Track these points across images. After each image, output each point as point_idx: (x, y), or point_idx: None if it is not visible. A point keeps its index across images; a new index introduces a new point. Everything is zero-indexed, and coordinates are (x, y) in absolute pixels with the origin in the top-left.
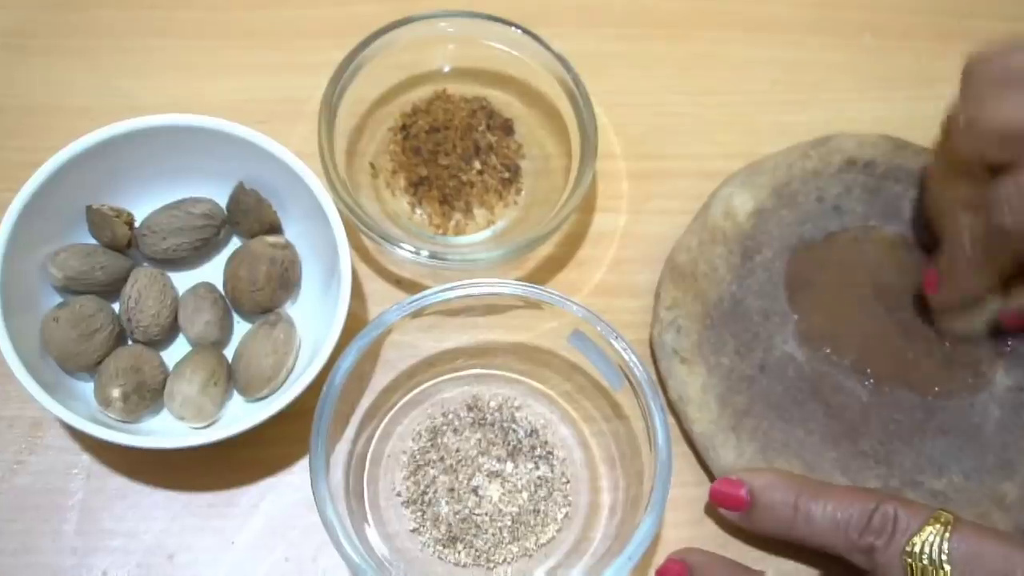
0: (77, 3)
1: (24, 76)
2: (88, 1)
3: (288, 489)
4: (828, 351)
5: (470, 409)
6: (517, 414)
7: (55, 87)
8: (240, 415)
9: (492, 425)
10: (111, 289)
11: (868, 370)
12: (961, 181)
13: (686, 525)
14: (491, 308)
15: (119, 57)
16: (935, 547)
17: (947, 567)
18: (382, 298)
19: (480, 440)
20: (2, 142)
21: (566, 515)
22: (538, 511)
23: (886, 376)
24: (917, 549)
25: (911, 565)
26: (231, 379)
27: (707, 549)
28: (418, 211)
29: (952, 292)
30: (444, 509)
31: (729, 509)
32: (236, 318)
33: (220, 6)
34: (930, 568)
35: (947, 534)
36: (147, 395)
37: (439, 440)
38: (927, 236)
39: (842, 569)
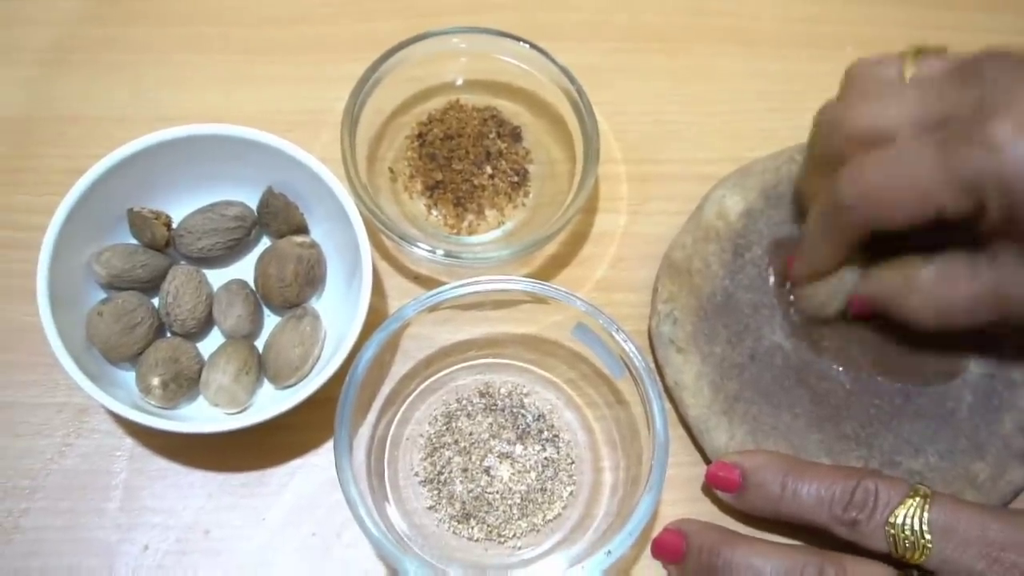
0: (115, 20)
1: (66, 88)
2: (125, 18)
3: (315, 470)
4: (812, 342)
5: (482, 395)
6: (526, 400)
7: (95, 99)
8: (270, 402)
9: (503, 410)
10: (151, 286)
11: (849, 360)
12: (821, 172)
13: (682, 503)
14: (501, 303)
15: (155, 70)
16: (916, 518)
17: (928, 536)
18: (401, 293)
19: (491, 424)
20: (46, 150)
21: (571, 493)
22: (545, 490)
23: (866, 365)
24: (899, 521)
25: (894, 536)
26: (262, 369)
27: None
28: (434, 213)
29: (803, 267)
30: (458, 488)
31: (723, 490)
32: (266, 312)
33: (249, 23)
34: (912, 538)
35: (927, 506)
36: (184, 384)
37: (454, 424)
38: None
39: (828, 544)
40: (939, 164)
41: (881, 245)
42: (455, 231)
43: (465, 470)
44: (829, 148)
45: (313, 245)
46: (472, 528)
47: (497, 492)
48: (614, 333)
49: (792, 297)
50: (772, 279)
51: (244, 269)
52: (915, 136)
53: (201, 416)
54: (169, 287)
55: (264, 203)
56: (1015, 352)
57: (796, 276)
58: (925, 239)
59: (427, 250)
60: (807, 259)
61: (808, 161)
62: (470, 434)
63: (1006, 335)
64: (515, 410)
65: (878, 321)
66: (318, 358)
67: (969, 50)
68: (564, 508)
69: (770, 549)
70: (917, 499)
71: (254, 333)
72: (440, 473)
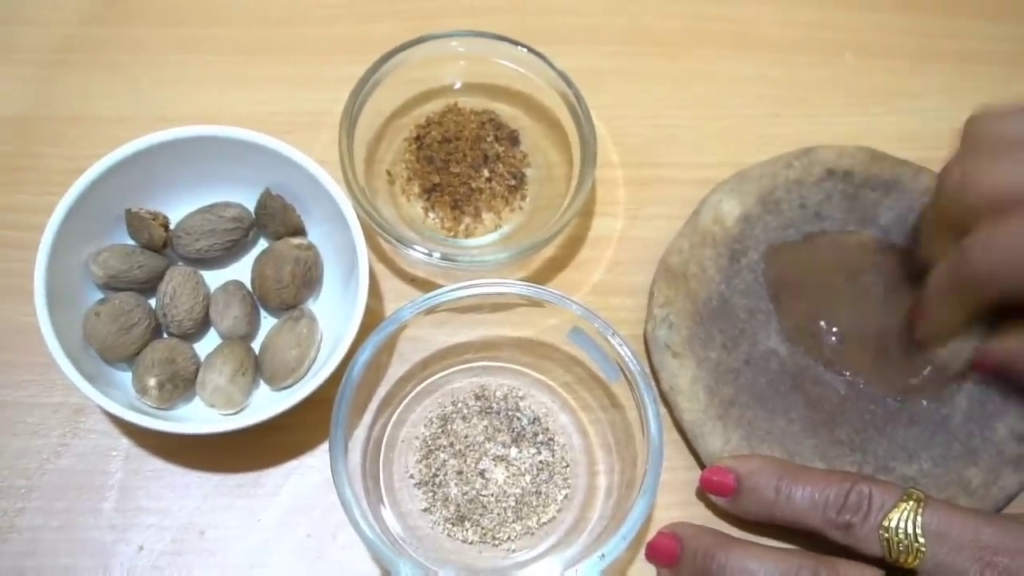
0: (115, 21)
1: (65, 89)
2: (125, 19)
3: (310, 471)
4: (807, 347)
5: (478, 398)
6: (521, 403)
7: (94, 99)
8: (266, 403)
9: (498, 413)
10: (148, 286)
11: (844, 366)
12: (947, 232)
13: (677, 506)
14: (497, 306)
15: (154, 71)
16: (909, 522)
17: (921, 540)
18: (397, 295)
19: (487, 427)
20: (45, 150)
21: (566, 497)
22: (540, 493)
23: (861, 372)
24: (893, 524)
25: (888, 539)
26: (258, 370)
27: None
28: (431, 215)
29: (927, 327)
30: (453, 490)
31: (718, 495)
32: (263, 313)
33: (247, 24)
34: (906, 541)
35: (920, 510)
36: (181, 384)
37: (449, 426)
38: (905, 242)
39: (823, 548)
40: None
41: (1013, 307)
42: (452, 234)
43: (460, 473)
44: (957, 210)
45: (310, 247)
46: (467, 531)
47: (492, 495)
48: (610, 337)
49: (915, 353)
50: (767, 284)
51: (241, 270)
52: None
53: (197, 417)
54: (166, 288)
55: (262, 204)
56: None
57: (922, 336)
58: None
59: (424, 253)
60: (932, 321)
61: (932, 219)
62: (465, 437)
63: None
64: (510, 413)
65: (875, 328)
66: (314, 360)
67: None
68: (559, 511)
69: (764, 552)
70: (911, 503)
71: (251, 334)
72: (435, 475)
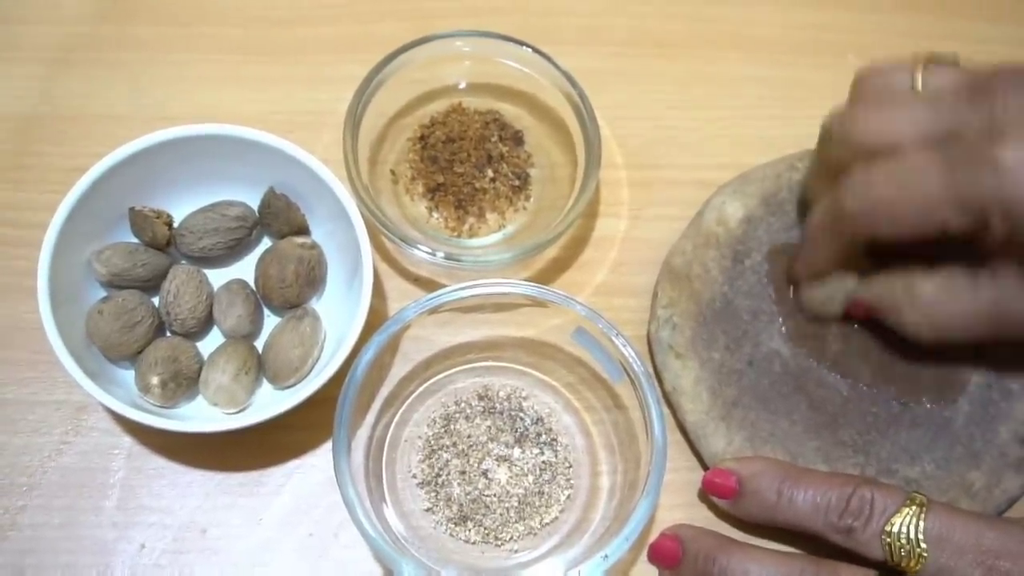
0: (118, 19)
1: (68, 87)
2: (128, 18)
3: (313, 470)
4: (810, 349)
5: (481, 398)
6: (524, 403)
7: (95, 98)
8: (269, 402)
9: (501, 413)
10: (151, 285)
11: (847, 368)
12: (827, 176)
13: (679, 507)
14: (501, 306)
15: (155, 70)
16: (912, 527)
17: (923, 545)
18: (401, 295)
19: (490, 427)
20: (47, 148)
21: (568, 497)
22: (543, 493)
23: (864, 375)
24: (895, 529)
25: (890, 544)
26: (261, 369)
27: None
28: (435, 215)
29: (804, 266)
30: (456, 490)
31: (720, 497)
32: (266, 312)
33: (252, 24)
34: (908, 546)
35: (922, 515)
36: (183, 383)
37: (452, 426)
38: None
39: (825, 551)
40: (944, 181)
41: (885, 251)
42: (456, 234)
43: (463, 472)
44: (836, 154)
45: (314, 246)
46: (469, 530)
47: (494, 495)
48: (613, 337)
49: (793, 294)
50: (771, 286)
51: (245, 269)
52: (923, 149)
53: (200, 415)
54: (169, 286)
55: (265, 203)
56: (1012, 362)
57: (798, 274)
58: (929, 250)
59: (428, 252)
60: (808, 258)
61: (815, 164)
62: (468, 437)
63: (1003, 350)
64: (513, 413)
65: (878, 332)
66: (317, 359)
67: (975, 60)
68: (561, 512)
69: (766, 556)
70: (913, 507)
71: (254, 333)
72: (438, 475)
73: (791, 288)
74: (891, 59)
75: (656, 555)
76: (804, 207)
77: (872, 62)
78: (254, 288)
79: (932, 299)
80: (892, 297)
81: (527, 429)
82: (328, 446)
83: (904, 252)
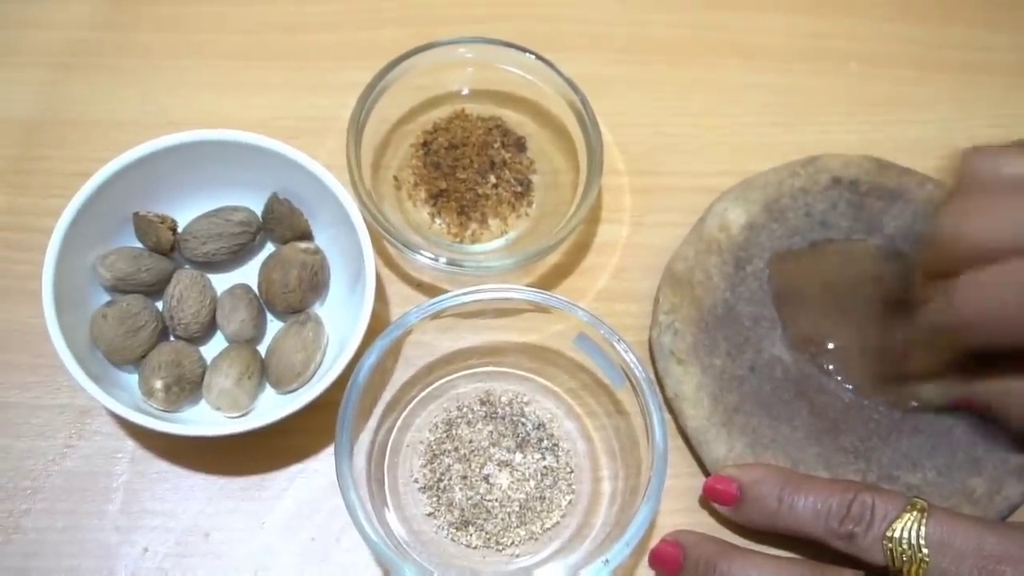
0: (123, 25)
1: (74, 92)
2: (134, 24)
3: (315, 475)
4: (811, 356)
5: (483, 403)
6: (526, 408)
7: (103, 103)
8: (272, 406)
9: (503, 418)
10: (155, 289)
11: (848, 375)
12: (937, 274)
13: (680, 513)
14: (503, 311)
15: (160, 76)
16: (913, 532)
17: (925, 550)
18: (403, 300)
19: (492, 432)
20: (52, 152)
21: (570, 502)
22: (544, 498)
23: (864, 382)
24: (897, 535)
25: (891, 550)
26: (264, 373)
27: None
28: (437, 221)
29: (911, 366)
30: (458, 495)
31: (721, 504)
32: (269, 317)
33: (256, 30)
34: (909, 552)
35: (923, 520)
36: (187, 387)
37: (454, 431)
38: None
39: (827, 557)
40: None
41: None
42: (458, 239)
43: (464, 477)
44: (948, 255)
45: (317, 251)
46: (471, 535)
47: (496, 500)
48: (615, 343)
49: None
50: (772, 292)
51: (248, 274)
52: None
53: (203, 420)
54: (173, 291)
55: (269, 209)
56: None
57: (903, 370)
58: None
59: (430, 258)
60: (916, 361)
61: (927, 259)
62: (470, 442)
63: None
64: (515, 418)
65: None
66: (320, 364)
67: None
68: (562, 517)
69: (766, 562)
70: (914, 513)
71: (257, 338)
72: (440, 480)
73: (901, 379)
74: (997, 147)
75: (657, 561)
76: (912, 290)
77: (977, 149)
78: (257, 293)
79: None
80: (1005, 398)
81: (529, 434)
82: (330, 450)
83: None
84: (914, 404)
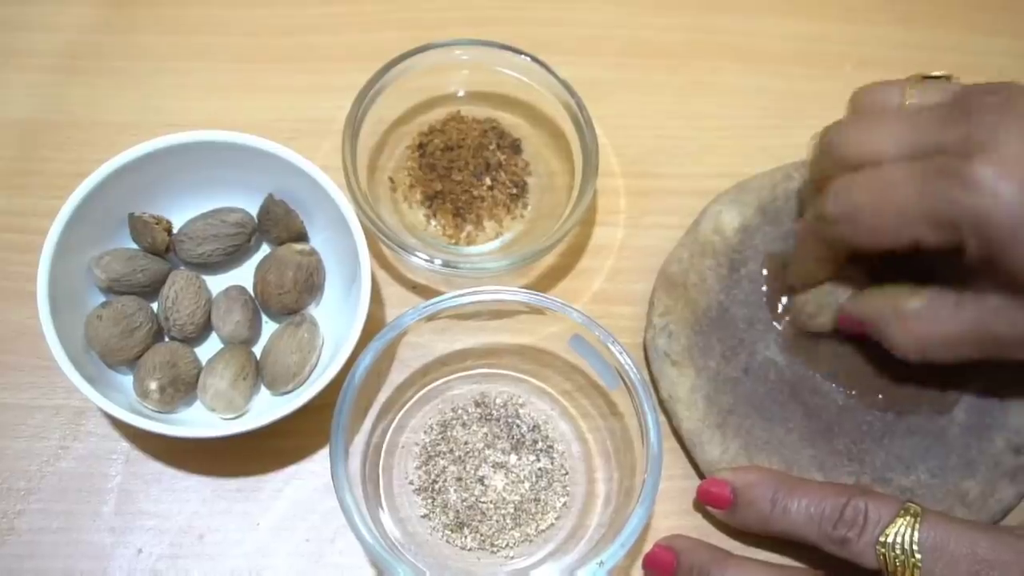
0: (121, 28)
1: (72, 94)
2: (132, 26)
3: (310, 476)
4: (805, 359)
5: (478, 405)
6: (521, 410)
7: (99, 105)
8: (267, 408)
9: (498, 420)
10: (150, 290)
11: (842, 377)
12: (817, 187)
13: (674, 515)
14: (498, 313)
15: (158, 78)
16: (906, 537)
17: (918, 555)
18: (399, 301)
19: (486, 434)
20: (51, 154)
21: (564, 504)
22: (539, 500)
23: (858, 383)
24: (890, 540)
25: (884, 555)
26: (259, 374)
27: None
28: (433, 222)
29: (792, 274)
30: (452, 497)
31: (714, 507)
32: (264, 318)
33: (253, 32)
34: (902, 557)
35: (917, 525)
36: (182, 388)
37: (449, 433)
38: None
39: (820, 562)
40: (918, 195)
41: (879, 270)
42: (454, 241)
43: (459, 479)
44: (824, 166)
45: (312, 252)
46: (465, 537)
47: (491, 502)
48: (610, 345)
49: (785, 304)
50: (767, 294)
51: (243, 275)
52: (901, 164)
53: (198, 421)
54: (168, 292)
55: (265, 210)
56: (1007, 372)
57: (788, 283)
58: (922, 267)
59: (425, 259)
60: (795, 267)
61: (808, 175)
62: (465, 443)
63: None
64: (510, 420)
65: (872, 345)
66: (315, 365)
67: (970, 74)
68: (557, 519)
69: (760, 569)
70: (907, 517)
71: (252, 339)
72: (434, 482)
73: (785, 297)
74: (887, 80)
75: (650, 566)
76: (801, 214)
77: (872, 82)
78: (252, 294)
79: (917, 316)
80: (879, 313)
81: (523, 436)
82: (325, 452)
83: (897, 272)
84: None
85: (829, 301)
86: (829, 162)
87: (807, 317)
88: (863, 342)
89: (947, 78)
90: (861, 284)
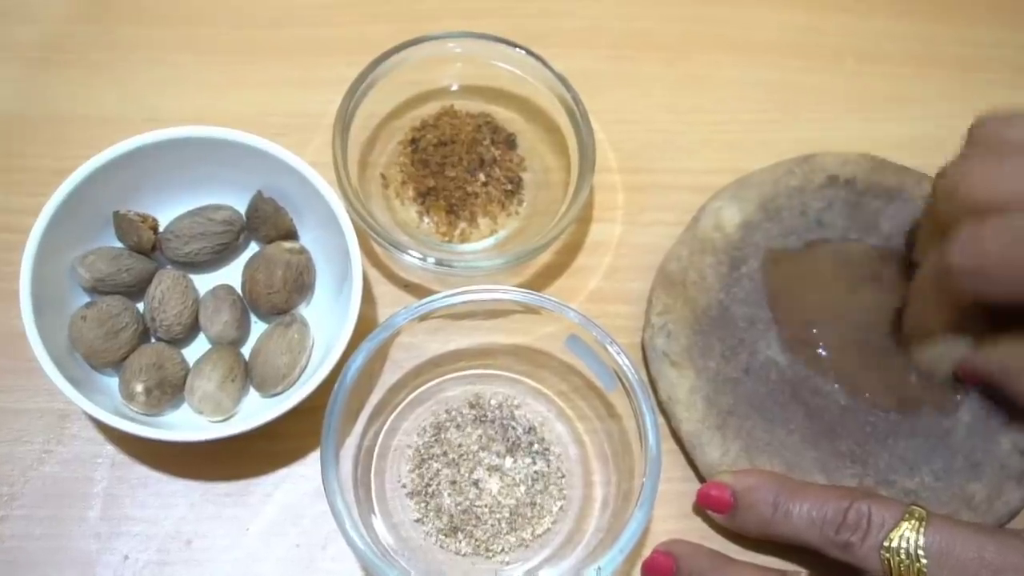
0: (104, 19)
1: (53, 88)
2: (115, 18)
3: (300, 480)
4: (807, 358)
5: (472, 407)
6: (516, 412)
7: (82, 99)
8: (256, 410)
9: (492, 422)
10: (136, 290)
11: (844, 377)
12: (938, 232)
13: (674, 519)
14: (493, 312)
15: (145, 71)
16: (911, 542)
17: (923, 560)
18: (391, 301)
19: (481, 436)
20: (32, 150)
21: (561, 508)
22: (535, 504)
23: (861, 384)
24: (894, 544)
25: (889, 559)
26: (248, 376)
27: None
28: (425, 220)
29: (909, 326)
30: (446, 501)
31: (715, 511)
32: (253, 319)
33: (241, 25)
34: (907, 561)
35: (922, 529)
36: (168, 390)
37: (442, 435)
38: (903, 249)
39: (823, 566)
40: None
41: (1004, 316)
42: (447, 239)
43: (453, 483)
44: (947, 210)
45: (302, 251)
46: (460, 542)
47: (486, 505)
48: (607, 345)
49: (902, 348)
50: (767, 293)
51: (231, 274)
52: None
53: (185, 424)
54: (155, 292)
55: (253, 208)
56: None
57: (905, 332)
58: None
59: (418, 258)
60: (913, 317)
61: (927, 219)
62: (459, 446)
63: None
64: (505, 422)
65: (872, 345)
66: (305, 366)
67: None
68: (554, 523)
69: (761, 575)
70: (912, 521)
71: (240, 340)
72: (428, 485)
73: (902, 340)
74: (1010, 111)
75: (649, 572)
76: (909, 249)
77: (988, 111)
78: (241, 294)
79: None
80: (1005, 366)
81: (519, 438)
82: (316, 455)
83: (1020, 315)
84: (919, 383)
85: (949, 350)
86: (953, 204)
87: (927, 364)
88: (866, 343)
89: None
90: (981, 332)
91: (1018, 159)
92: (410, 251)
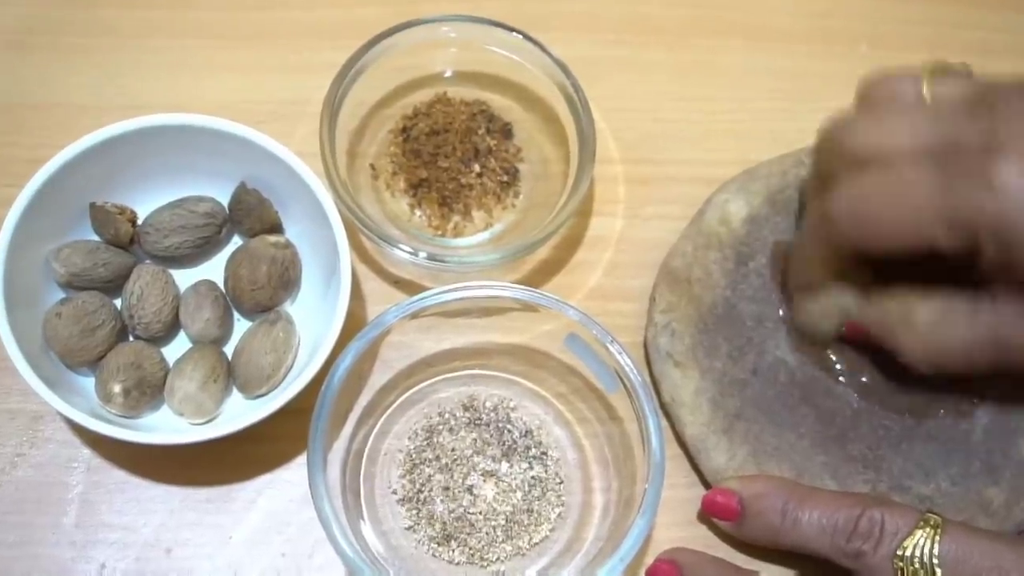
0: (80, 2)
1: (27, 73)
2: (90, 0)
3: (286, 485)
4: (817, 358)
5: (466, 409)
6: (512, 414)
7: (57, 85)
8: (239, 412)
9: (487, 425)
10: (113, 286)
11: (857, 378)
12: (821, 182)
13: (677, 526)
14: (488, 310)
15: (121, 56)
16: (926, 551)
17: (939, 570)
18: (381, 298)
19: (475, 440)
20: (5, 138)
21: (559, 515)
22: (532, 511)
23: (874, 386)
24: (908, 553)
25: (902, 569)
26: (231, 376)
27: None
28: (417, 213)
29: (793, 275)
30: (439, 507)
31: (721, 519)
32: (236, 316)
33: (222, 7)
34: (921, 571)
35: (937, 537)
36: (147, 391)
37: (435, 439)
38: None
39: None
40: (935, 195)
41: (887, 272)
42: (440, 233)
43: (446, 488)
44: (831, 160)
45: (288, 245)
46: (453, 551)
47: (480, 512)
48: (608, 345)
49: (786, 306)
50: (776, 290)
51: (214, 269)
52: (917, 162)
53: (165, 426)
54: (133, 287)
55: (236, 199)
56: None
57: (789, 285)
58: (933, 271)
59: (409, 252)
60: (797, 268)
61: (811, 169)
62: (452, 450)
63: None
64: (501, 425)
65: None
66: (291, 366)
67: (990, 52)
68: (552, 531)
69: None
70: (927, 529)
71: (223, 338)
72: (420, 491)
73: (785, 299)
74: (901, 67)
75: None
76: (801, 209)
77: (881, 69)
78: (223, 290)
79: (929, 324)
80: (889, 320)
81: (515, 442)
82: (302, 459)
83: (907, 274)
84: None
85: (833, 306)
86: (835, 157)
87: (811, 323)
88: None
89: (966, 70)
90: (865, 287)
91: (900, 114)
92: (401, 245)
